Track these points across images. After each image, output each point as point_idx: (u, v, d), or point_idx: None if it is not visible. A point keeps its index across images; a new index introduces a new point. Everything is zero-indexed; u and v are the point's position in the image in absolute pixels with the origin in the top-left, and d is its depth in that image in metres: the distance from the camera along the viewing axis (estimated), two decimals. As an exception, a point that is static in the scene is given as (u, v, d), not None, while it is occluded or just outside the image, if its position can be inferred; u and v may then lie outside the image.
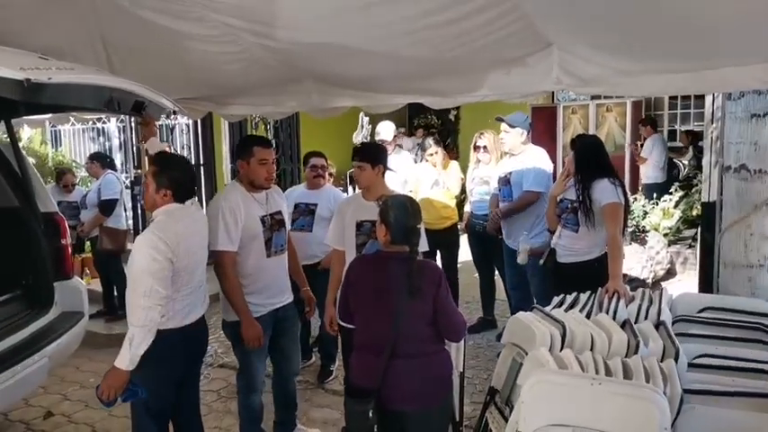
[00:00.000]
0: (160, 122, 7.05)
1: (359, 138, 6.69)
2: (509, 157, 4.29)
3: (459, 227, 4.96)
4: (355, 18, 2.33)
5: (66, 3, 2.67)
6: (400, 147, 6.31)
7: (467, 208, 4.85)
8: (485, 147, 4.55)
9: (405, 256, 2.30)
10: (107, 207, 5.44)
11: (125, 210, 6.16)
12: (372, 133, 5.33)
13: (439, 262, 4.91)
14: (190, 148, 7.20)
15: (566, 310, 2.57)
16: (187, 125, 7.02)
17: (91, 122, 8.43)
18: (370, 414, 2.19)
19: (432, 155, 4.73)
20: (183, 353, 2.56)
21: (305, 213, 3.99)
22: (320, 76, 3.20)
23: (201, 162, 7.02)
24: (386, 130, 5.22)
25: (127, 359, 2.26)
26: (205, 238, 2.67)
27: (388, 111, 3.42)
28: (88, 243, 5.93)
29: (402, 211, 2.33)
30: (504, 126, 4.18)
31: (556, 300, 2.80)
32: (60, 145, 9.35)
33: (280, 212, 3.03)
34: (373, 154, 3.11)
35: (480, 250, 4.75)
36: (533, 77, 2.59)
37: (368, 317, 2.36)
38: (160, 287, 2.30)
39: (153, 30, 2.78)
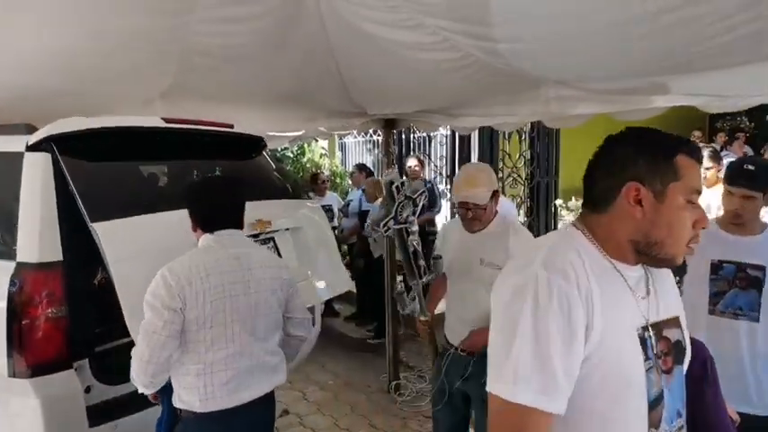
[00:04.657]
0: (418, 134, 7.19)
1: None
2: None
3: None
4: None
5: (296, 23, 2.73)
6: None
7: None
8: None
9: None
10: (365, 217, 5.72)
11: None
12: None
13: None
14: (446, 159, 7.14)
15: None
16: (445, 136, 6.97)
17: (369, 135, 9.18)
18: None
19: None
20: None
21: None
22: (556, 79, 2.67)
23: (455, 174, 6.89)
24: None
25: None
26: (262, 282, 2.02)
27: (644, 118, 2.65)
28: (345, 248, 6.35)
29: None
30: None
31: None
32: (345, 154, 10.43)
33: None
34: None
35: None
36: None
37: None
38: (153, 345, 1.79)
39: (376, 43, 2.67)
